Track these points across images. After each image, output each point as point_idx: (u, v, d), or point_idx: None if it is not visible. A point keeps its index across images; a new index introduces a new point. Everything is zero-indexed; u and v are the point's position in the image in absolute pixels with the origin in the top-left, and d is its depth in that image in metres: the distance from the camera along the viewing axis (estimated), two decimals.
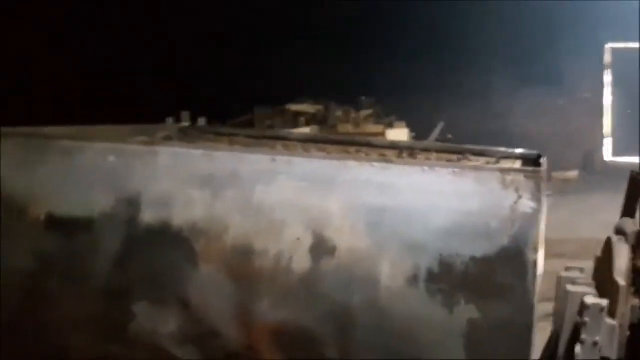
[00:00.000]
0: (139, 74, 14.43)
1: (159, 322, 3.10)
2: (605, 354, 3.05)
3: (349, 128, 13.09)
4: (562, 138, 14.81)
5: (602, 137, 15.88)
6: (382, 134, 12.33)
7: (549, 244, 8.56)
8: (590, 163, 14.89)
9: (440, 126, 13.99)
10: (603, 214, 3.89)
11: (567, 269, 3.69)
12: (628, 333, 3.19)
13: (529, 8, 15.33)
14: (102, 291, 3.17)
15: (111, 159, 3.23)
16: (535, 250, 2.81)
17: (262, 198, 3.01)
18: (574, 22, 15.18)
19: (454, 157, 4.27)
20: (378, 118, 14.42)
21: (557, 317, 3.39)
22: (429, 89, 15.58)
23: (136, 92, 13.69)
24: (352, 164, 3.04)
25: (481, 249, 2.82)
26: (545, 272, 3.69)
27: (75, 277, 3.19)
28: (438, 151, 4.41)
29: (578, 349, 3.05)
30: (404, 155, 4.33)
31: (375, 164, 3.04)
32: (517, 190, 2.83)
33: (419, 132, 13.61)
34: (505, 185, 2.84)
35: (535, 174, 2.87)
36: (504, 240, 2.81)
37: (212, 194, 3.06)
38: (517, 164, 3.98)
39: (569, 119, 15.22)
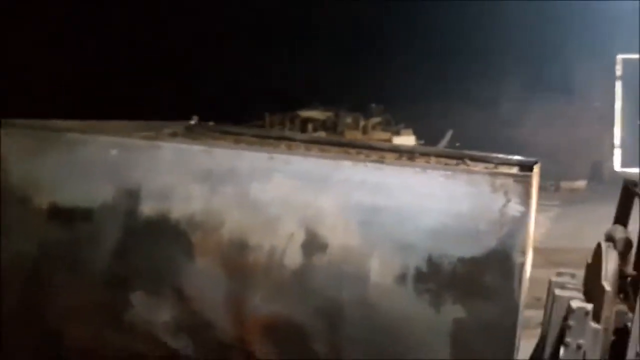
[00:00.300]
0: (139, 74, 14.45)
1: (154, 312, 3.18)
2: (589, 356, 3.10)
3: (356, 135, 13.19)
4: (571, 147, 14.82)
5: (612, 147, 15.87)
6: (389, 141, 12.38)
7: (553, 252, 8.56)
8: (598, 173, 14.89)
9: (449, 134, 14.06)
10: (609, 224, 3.96)
11: (559, 274, 3.75)
12: (613, 337, 3.24)
13: (539, 16, 15.35)
14: (100, 280, 3.26)
15: (114, 152, 3.32)
16: (523, 253, 2.87)
17: (258, 194, 3.09)
18: (585, 30, 15.19)
19: (452, 161, 4.33)
20: (387, 125, 14.50)
21: (546, 320, 3.45)
22: (439, 97, 15.61)
23: (136, 92, 13.72)
24: (346, 163, 3.12)
25: (469, 251, 2.88)
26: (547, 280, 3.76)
27: (75, 265, 3.28)
28: (437, 156, 4.47)
29: (562, 351, 3.10)
30: (403, 158, 4.40)
31: (369, 164, 3.12)
32: (506, 193, 2.89)
33: (429, 139, 13.67)
34: (494, 188, 2.91)
35: (524, 179, 2.93)
36: (492, 243, 2.87)
37: (210, 189, 3.14)
38: (514, 171, 4.04)
39: (578, 128, 15.22)
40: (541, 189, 12.14)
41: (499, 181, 2.91)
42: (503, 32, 15.57)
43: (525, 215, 2.88)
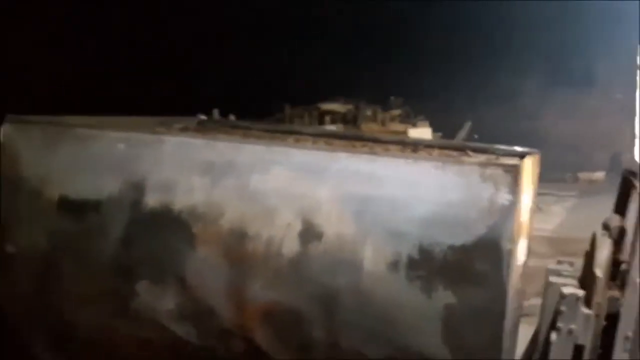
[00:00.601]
0: (139, 74, 14.43)
1: (159, 300, 3.32)
2: (580, 341, 3.19)
3: (373, 127, 13.24)
4: (591, 139, 14.78)
5: (632, 138, 15.78)
6: (405, 133, 12.43)
7: (566, 242, 8.57)
8: (618, 164, 14.81)
9: (467, 126, 14.06)
10: None
11: (559, 262, 3.83)
12: (604, 323, 3.31)
13: (559, 7, 15.29)
14: (108, 269, 3.40)
15: (121, 146, 3.45)
16: (511, 240, 2.95)
17: (257, 185, 3.21)
18: (606, 21, 15.12)
19: (455, 153, 4.42)
20: (406, 118, 14.54)
21: (543, 307, 3.54)
22: (460, 89, 15.62)
23: (136, 92, 13.64)
24: (341, 155, 3.23)
25: (459, 238, 2.98)
26: None
27: (84, 256, 3.42)
28: (441, 147, 4.56)
29: (553, 336, 3.18)
30: (408, 150, 4.49)
31: (363, 155, 3.22)
32: (495, 183, 2.98)
33: (449, 131, 13.70)
34: (484, 178, 2.99)
35: (513, 168, 3.01)
36: (481, 231, 2.96)
37: (211, 181, 3.27)
38: (513, 161, 4.12)
39: (599, 120, 15.16)
40: (560, 180, 12.08)
41: (488, 171, 3.00)
42: (523, 24, 15.54)
43: (514, 203, 2.96)
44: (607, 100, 15.38)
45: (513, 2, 15.37)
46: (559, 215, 9.98)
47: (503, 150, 4.40)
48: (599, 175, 14.05)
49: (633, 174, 4.03)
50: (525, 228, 3.35)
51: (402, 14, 16.27)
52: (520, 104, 15.66)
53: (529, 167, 3.43)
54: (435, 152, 4.46)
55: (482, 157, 4.30)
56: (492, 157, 4.31)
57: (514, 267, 3.03)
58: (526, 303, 4.36)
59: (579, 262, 3.90)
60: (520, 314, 3.84)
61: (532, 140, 6.09)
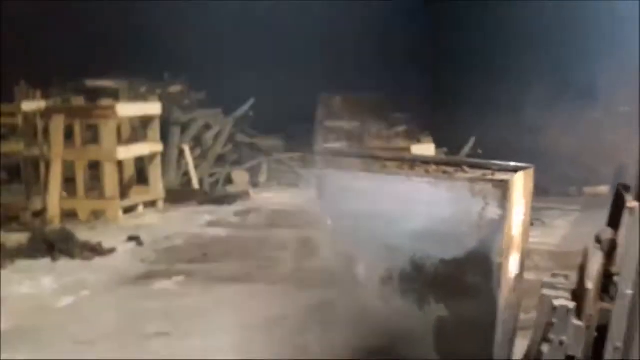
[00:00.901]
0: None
1: None
2: (571, 353, 3.25)
3: (376, 144, 13.34)
4: (595, 153, 14.78)
5: (637, 152, 15.77)
6: (408, 149, 12.52)
7: (569, 256, 8.58)
8: (622, 178, 14.83)
9: (471, 141, 14.14)
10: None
11: (553, 275, 3.90)
12: (595, 334, 3.37)
13: (563, 19, 15.34)
14: None
15: None
16: (501, 254, 3.04)
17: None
18: (611, 33, 15.16)
19: (451, 169, 4.49)
20: (412, 134, 14.62)
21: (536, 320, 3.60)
22: (464, 104, 15.66)
23: None
24: (337, 173, 3.31)
25: (451, 252, 3.07)
26: None
27: None
28: (437, 163, 4.63)
29: (545, 347, 3.25)
30: (405, 167, 4.57)
31: (359, 173, 3.31)
32: (484, 198, 3.07)
33: (453, 147, 13.76)
34: (474, 193, 3.09)
35: (503, 184, 3.10)
36: (472, 244, 3.05)
37: None
38: (503, 176, 4.18)
39: (603, 133, 15.17)
40: (564, 194, 12.07)
41: (478, 187, 3.09)
42: (526, 37, 15.60)
43: (503, 218, 3.05)
44: (611, 114, 15.41)
45: (517, 18, 15.45)
46: (563, 229, 10.00)
47: (499, 165, 4.45)
48: (603, 189, 14.04)
49: (625, 188, 4.10)
50: (517, 242, 3.42)
51: (405, 32, 16.39)
52: (525, 118, 15.70)
53: (521, 182, 3.50)
54: (432, 168, 4.53)
55: (477, 173, 4.37)
56: (488, 172, 4.37)
57: (504, 280, 3.10)
58: (526, 316, 4.41)
59: (575, 275, 3.96)
60: (517, 327, 3.90)
61: (536, 155, 6.16)
